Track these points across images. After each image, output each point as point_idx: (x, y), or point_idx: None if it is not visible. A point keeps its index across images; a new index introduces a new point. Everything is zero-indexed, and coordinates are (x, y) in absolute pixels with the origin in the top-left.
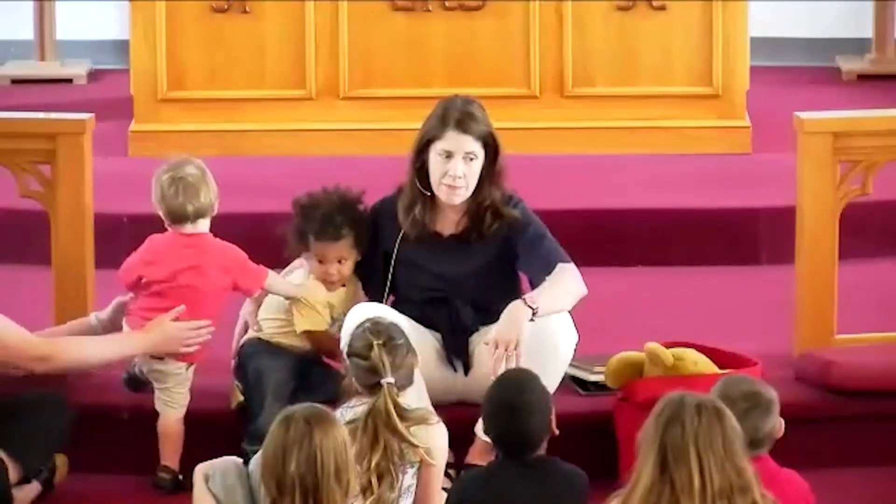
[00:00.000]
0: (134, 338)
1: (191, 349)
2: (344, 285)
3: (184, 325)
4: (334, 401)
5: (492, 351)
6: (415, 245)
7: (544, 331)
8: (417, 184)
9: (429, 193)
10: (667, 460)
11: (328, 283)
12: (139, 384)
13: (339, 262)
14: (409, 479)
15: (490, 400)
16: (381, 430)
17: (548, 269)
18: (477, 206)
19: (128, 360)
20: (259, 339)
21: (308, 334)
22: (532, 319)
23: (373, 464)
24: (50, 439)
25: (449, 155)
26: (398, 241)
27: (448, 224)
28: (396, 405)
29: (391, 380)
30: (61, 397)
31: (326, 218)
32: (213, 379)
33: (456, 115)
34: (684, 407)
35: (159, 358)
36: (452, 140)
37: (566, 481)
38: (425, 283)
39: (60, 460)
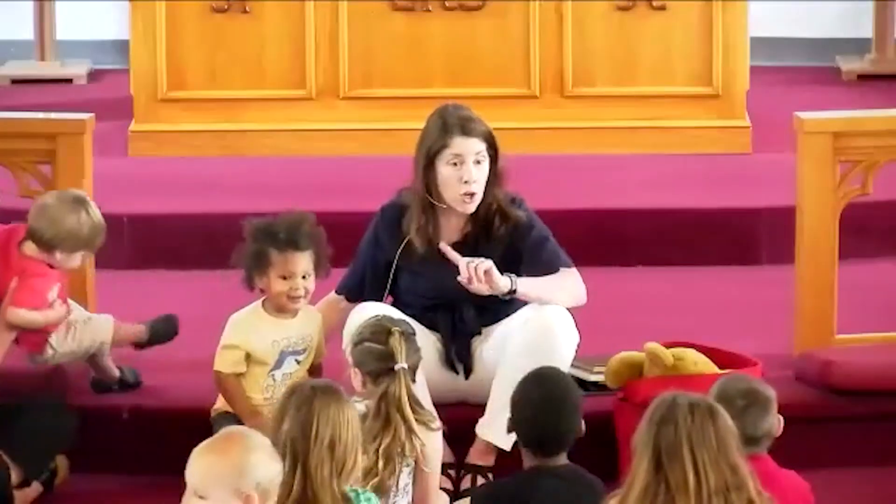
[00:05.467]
0: None
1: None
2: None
3: None
4: None
5: (463, 269)
6: (417, 254)
7: (545, 332)
8: (429, 198)
9: (444, 206)
10: (661, 460)
11: (292, 303)
12: (101, 387)
13: (304, 277)
14: (405, 478)
15: (530, 396)
16: (392, 414)
17: (550, 273)
18: (486, 210)
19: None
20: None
21: (219, 377)
22: (510, 295)
23: (382, 446)
24: (51, 441)
25: (460, 160)
26: (400, 250)
27: (452, 231)
28: (410, 391)
29: (405, 365)
30: (63, 399)
31: (292, 228)
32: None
33: (456, 121)
34: (677, 407)
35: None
36: (460, 145)
37: (592, 490)
38: (426, 292)
39: (61, 462)
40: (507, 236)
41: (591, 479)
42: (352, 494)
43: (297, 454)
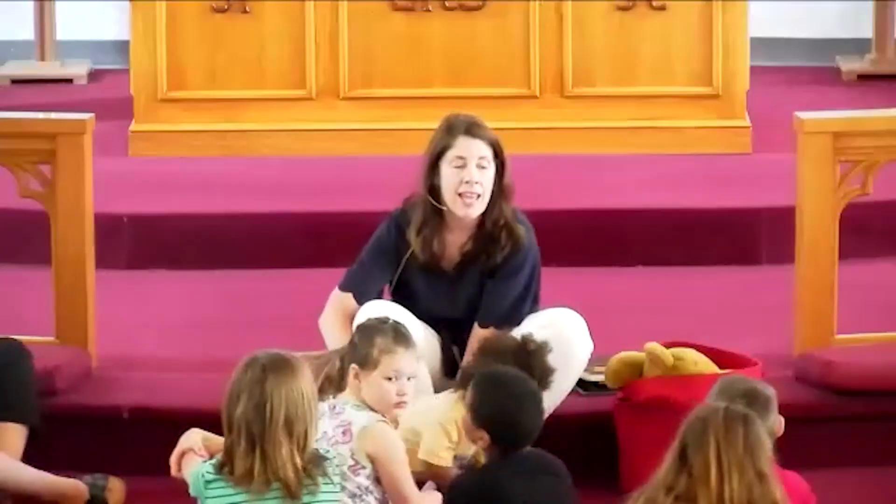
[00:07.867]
0: None
1: None
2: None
3: None
4: None
5: None
6: (419, 273)
7: (560, 339)
8: (431, 200)
9: (444, 208)
10: (686, 451)
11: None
12: None
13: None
14: (363, 480)
15: (494, 393)
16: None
17: (489, 318)
18: (492, 226)
19: None
20: None
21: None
22: None
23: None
24: (28, 382)
25: (462, 162)
26: (403, 262)
27: (455, 248)
28: None
29: None
30: (18, 343)
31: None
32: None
33: (464, 124)
34: (712, 409)
35: None
36: (464, 145)
37: (557, 471)
38: (428, 308)
39: (116, 485)
40: (502, 262)
41: (554, 461)
42: (322, 452)
43: (253, 437)
